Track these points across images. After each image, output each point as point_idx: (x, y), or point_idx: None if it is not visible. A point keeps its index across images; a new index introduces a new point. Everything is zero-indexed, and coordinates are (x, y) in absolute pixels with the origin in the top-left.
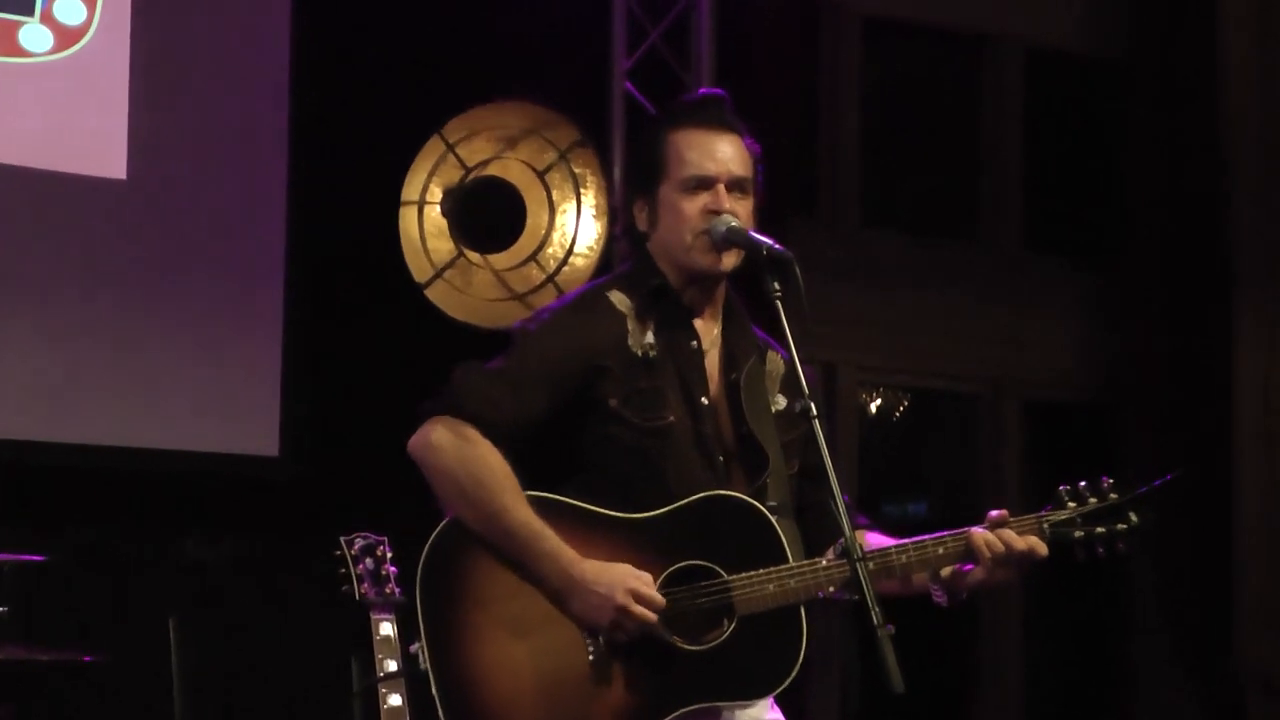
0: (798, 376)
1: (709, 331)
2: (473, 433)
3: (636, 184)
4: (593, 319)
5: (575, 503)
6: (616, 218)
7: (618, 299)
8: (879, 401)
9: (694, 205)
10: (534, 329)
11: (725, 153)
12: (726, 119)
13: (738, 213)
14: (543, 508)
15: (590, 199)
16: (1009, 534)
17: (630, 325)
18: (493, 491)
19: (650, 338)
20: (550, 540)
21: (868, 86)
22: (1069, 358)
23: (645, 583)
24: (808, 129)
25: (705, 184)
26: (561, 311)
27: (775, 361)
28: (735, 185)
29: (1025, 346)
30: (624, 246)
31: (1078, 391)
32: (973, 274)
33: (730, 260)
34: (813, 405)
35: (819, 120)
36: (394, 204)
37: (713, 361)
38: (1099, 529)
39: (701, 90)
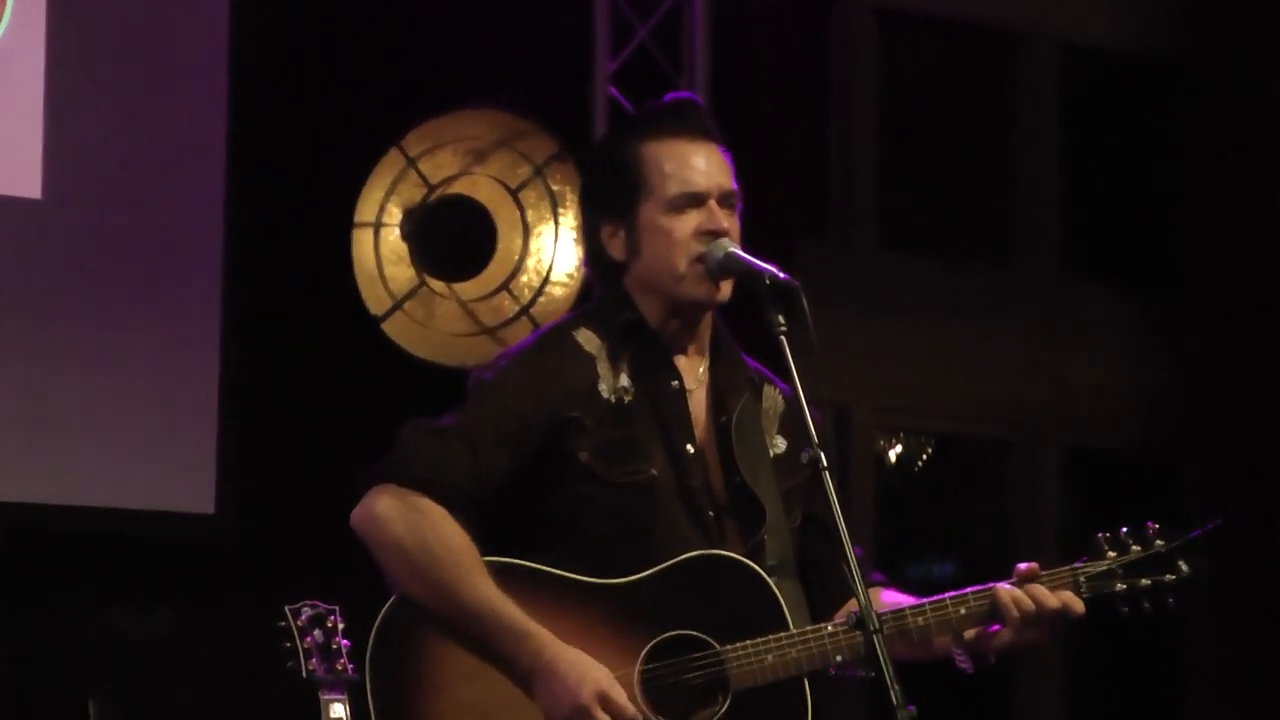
0: (805, 422)
1: (694, 369)
2: (423, 501)
3: (606, 205)
4: (558, 363)
5: (544, 568)
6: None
7: (586, 338)
8: (899, 448)
9: (685, 226)
10: (491, 378)
11: (712, 164)
12: (708, 126)
13: (730, 231)
14: (506, 576)
15: (570, 219)
16: (1040, 590)
17: (601, 367)
18: (448, 565)
19: (625, 380)
20: (515, 616)
21: (884, 90)
22: (1115, 397)
23: (618, 690)
24: (816, 138)
25: (696, 201)
26: (521, 357)
27: (773, 397)
28: (725, 201)
29: (1065, 385)
30: (591, 278)
31: (1126, 436)
32: (1005, 302)
33: (729, 289)
34: (822, 455)
35: (829, 129)
36: (347, 226)
37: (699, 403)
38: (1144, 581)
39: (669, 96)
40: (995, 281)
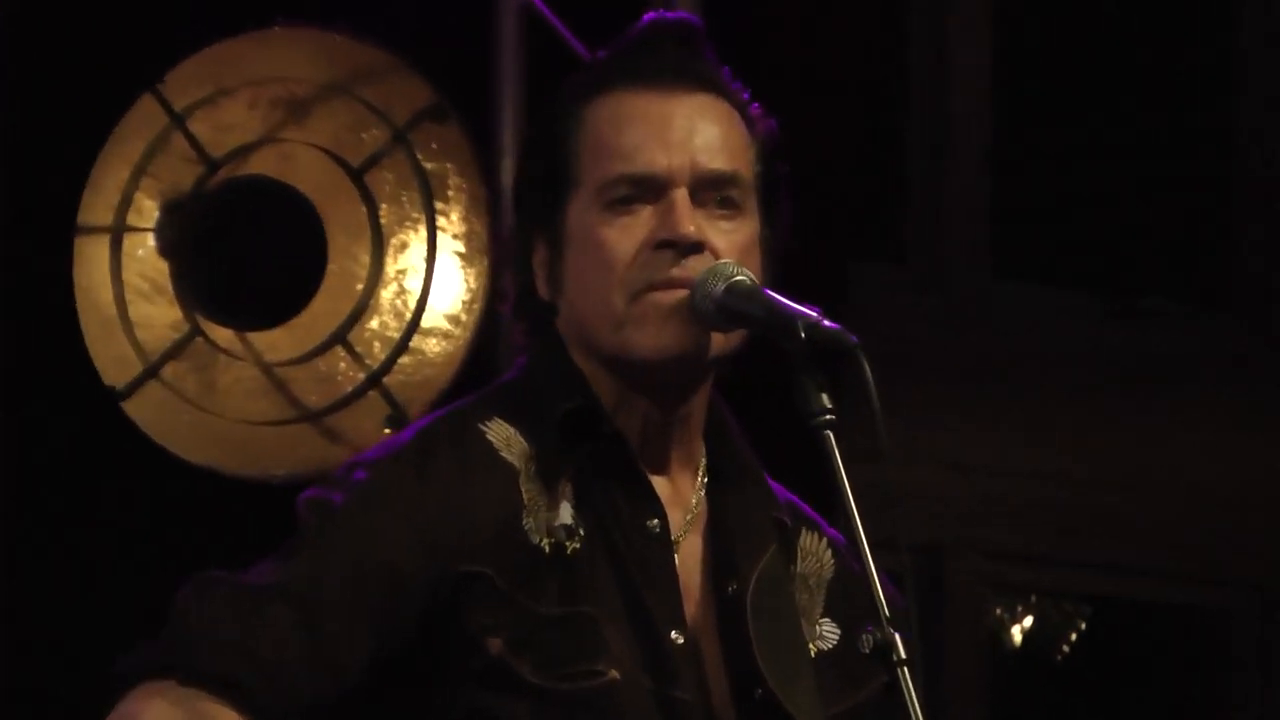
0: (871, 588)
1: (682, 494)
2: (216, 710)
3: (533, 209)
4: (453, 480)
5: None
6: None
7: (503, 439)
8: (1029, 621)
9: (625, 235)
10: (339, 504)
11: (687, 127)
12: (692, 64)
13: (719, 247)
14: None
15: (456, 222)
16: None
17: (528, 490)
18: None
19: (567, 515)
20: None
21: (1000, 44)
22: None
23: None
24: (891, 115)
25: (646, 189)
26: (390, 468)
27: (817, 550)
28: (711, 187)
29: None
30: (516, 331)
31: None
32: (1209, 360)
33: (720, 344)
34: (899, 641)
35: (912, 101)
36: (67, 232)
37: (692, 555)
38: None
39: (649, 17)
40: (1182, 327)
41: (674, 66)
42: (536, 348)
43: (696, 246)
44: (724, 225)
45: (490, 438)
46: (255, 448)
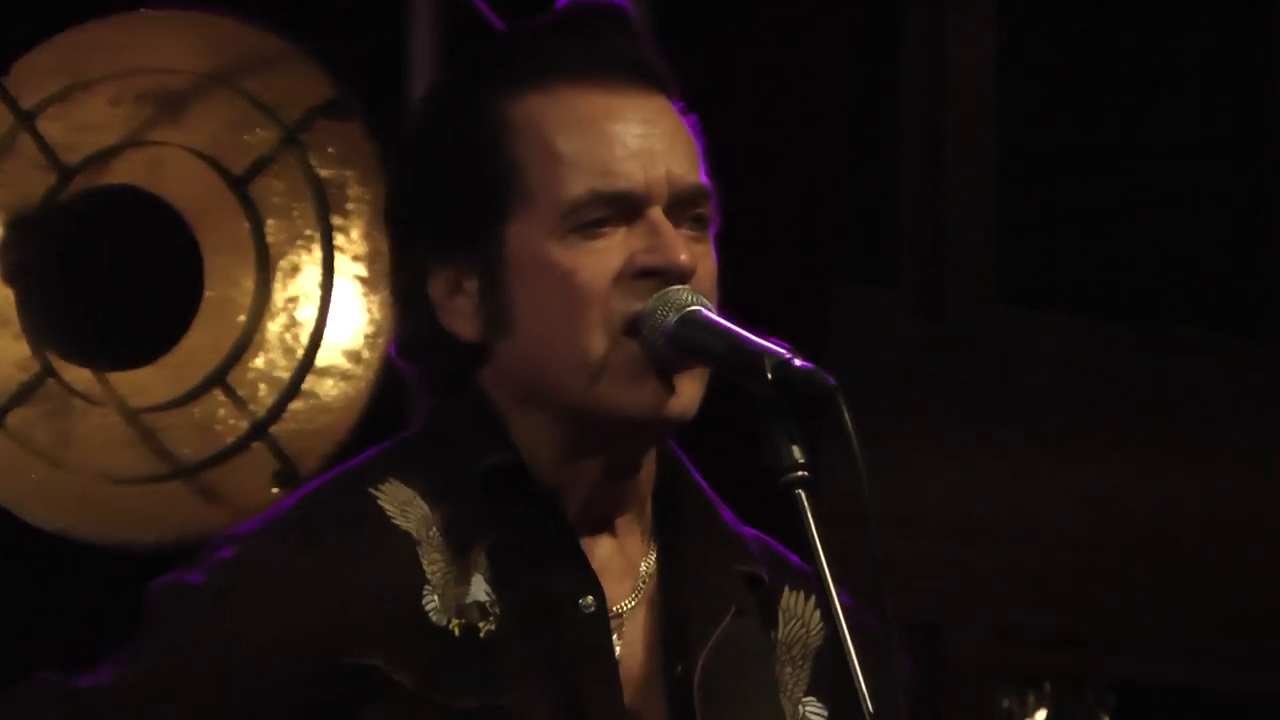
0: (849, 668)
1: (632, 561)
2: None
3: (437, 227)
4: (337, 556)
5: None
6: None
7: (396, 501)
8: (1042, 716)
9: (602, 263)
10: (196, 588)
11: (656, 135)
12: (639, 57)
13: (699, 274)
14: None
15: (357, 240)
16: None
17: (431, 563)
18: None
19: (480, 590)
20: None
21: (1004, 40)
22: None
23: None
24: (881, 118)
25: (624, 209)
26: (261, 542)
27: (802, 614)
28: (686, 204)
29: None
30: (411, 373)
31: None
32: (1248, 397)
33: (696, 392)
34: None
35: (904, 103)
36: None
37: (637, 634)
38: None
39: None
40: (1216, 363)
41: (622, 59)
42: (447, 395)
43: (686, 277)
44: (697, 249)
45: (382, 503)
46: (118, 509)
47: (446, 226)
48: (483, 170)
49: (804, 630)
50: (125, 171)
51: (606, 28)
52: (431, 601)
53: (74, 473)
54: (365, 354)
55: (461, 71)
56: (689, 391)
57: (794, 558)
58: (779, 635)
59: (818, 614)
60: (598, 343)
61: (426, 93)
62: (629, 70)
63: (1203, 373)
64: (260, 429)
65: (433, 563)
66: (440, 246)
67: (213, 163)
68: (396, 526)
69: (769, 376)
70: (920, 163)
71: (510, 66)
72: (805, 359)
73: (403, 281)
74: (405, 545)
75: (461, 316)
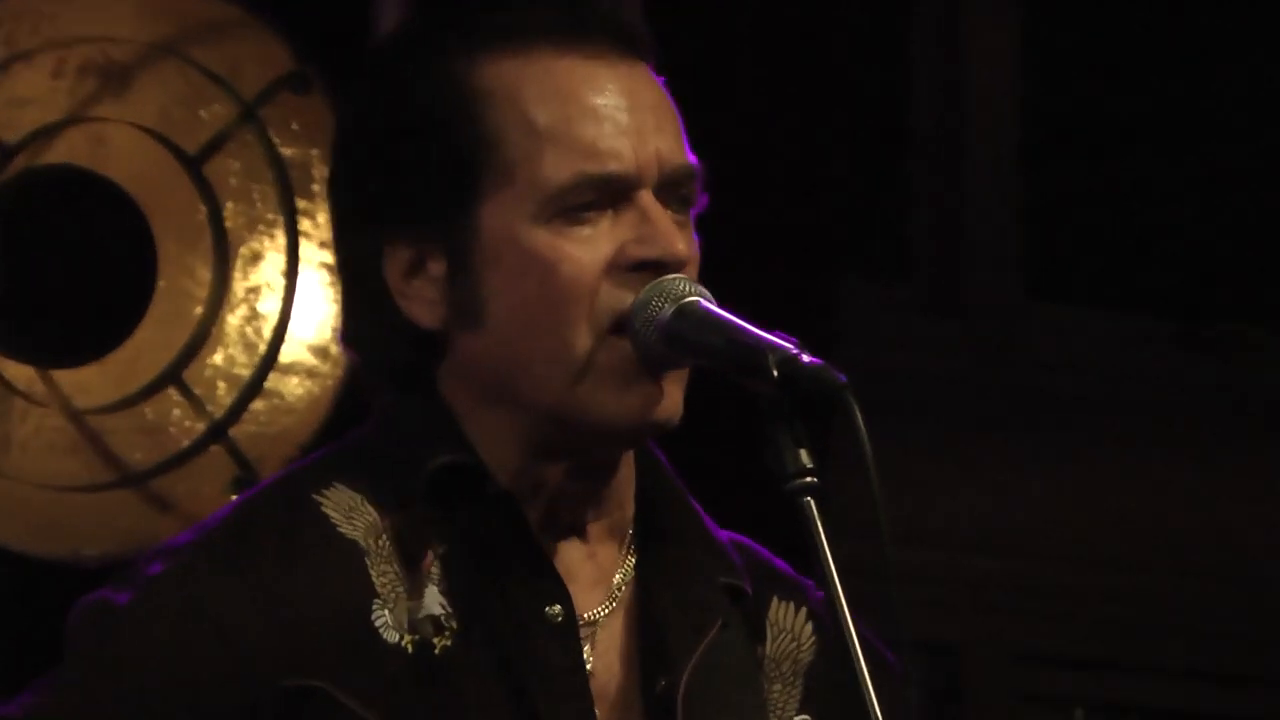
0: (860, 680)
1: (604, 569)
2: None
3: (394, 204)
4: (276, 570)
5: None
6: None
7: (342, 507)
8: None
9: (590, 250)
10: (121, 608)
11: (641, 108)
12: (625, 24)
13: (689, 260)
14: None
15: (324, 225)
16: None
17: (380, 573)
18: None
19: (434, 602)
20: None
21: (1029, 15)
22: None
23: None
24: (895, 99)
25: (612, 192)
26: (193, 556)
27: (792, 626)
28: (674, 185)
29: None
30: (357, 362)
31: None
32: None
33: (680, 398)
34: None
35: (920, 84)
36: None
37: (612, 646)
38: None
39: None
40: (1265, 362)
41: (602, 21)
42: (399, 389)
43: (682, 268)
44: (685, 234)
45: (326, 509)
46: (62, 520)
47: (407, 199)
48: (451, 139)
49: (794, 645)
50: (68, 150)
51: None
52: (382, 617)
53: (12, 479)
54: (333, 349)
55: (425, 24)
56: (674, 394)
57: (781, 564)
58: (767, 650)
59: (809, 626)
60: (582, 340)
61: (383, 44)
62: (610, 33)
63: (1248, 373)
64: (218, 431)
65: (383, 574)
66: (398, 221)
67: (163, 140)
68: (342, 535)
69: (774, 373)
70: (935, 143)
71: (480, 23)
72: (813, 355)
73: (350, 258)
74: (352, 556)
75: (421, 302)
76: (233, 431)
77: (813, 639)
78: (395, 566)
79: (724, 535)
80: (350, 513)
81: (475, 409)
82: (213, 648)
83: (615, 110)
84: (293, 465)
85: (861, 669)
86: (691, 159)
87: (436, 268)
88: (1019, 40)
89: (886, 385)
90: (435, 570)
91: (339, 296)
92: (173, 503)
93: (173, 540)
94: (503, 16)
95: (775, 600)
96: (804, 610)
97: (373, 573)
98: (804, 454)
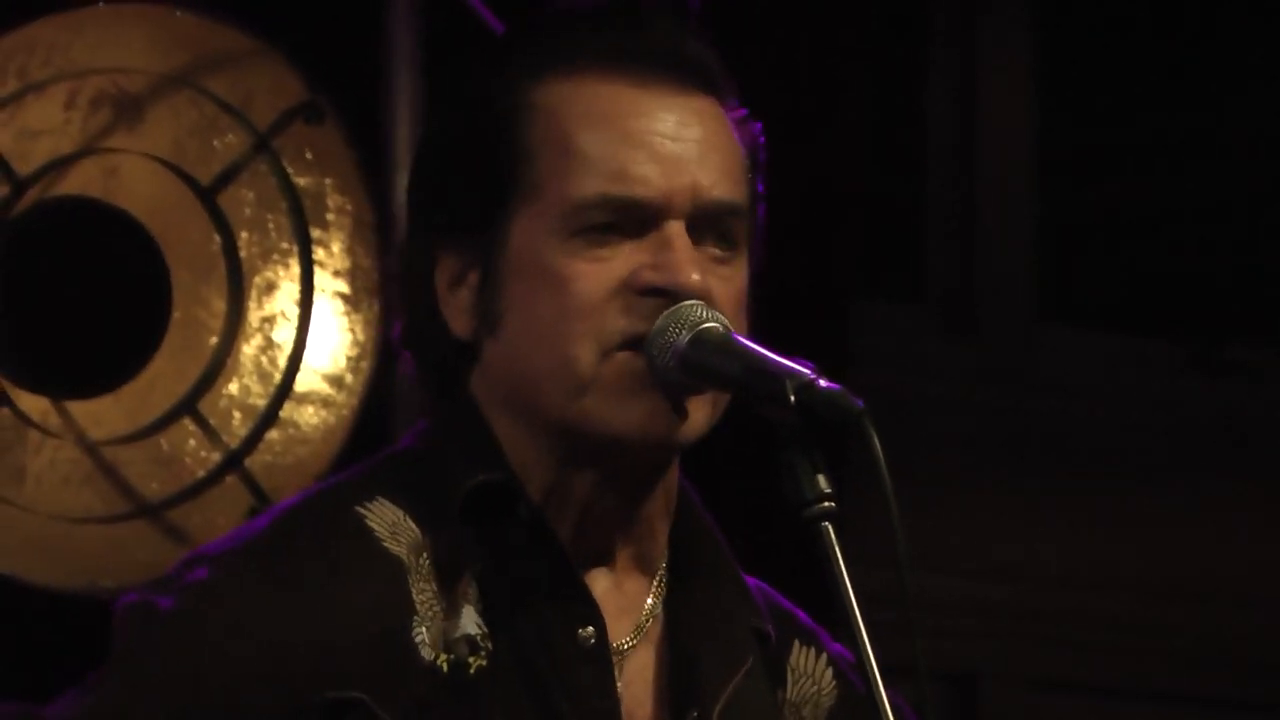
0: (880, 708)
1: (632, 598)
2: None
3: (445, 213)
4: (320, 581)
5: None
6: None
7: (386, 522)
8: None
9: (600, 272)
10: (165, 613)
11: (688, 139)
12: (685, 48)
13: (717, 295)
14: None
15: (337, 255)
16: None
17: (419, 591)
18: None
19: (471, 622)
20: None
21: (1044, 28)
22: None
23: None
24: (907, 116)
25: (636, 218)
26: (235, 564)
27: (813, 671)
28: (712, 221)
29: None
30: (414, 378)
31: None
32: None
33: (702, 419)
34: None
35: (933, 100)
36: None
37: (641, 674)
38: None
39: None
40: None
41: (664, 50)
42: (442, 405)
43: (686, 291)
44: (723, 271)
45: (371, 523)
46: (76, 552)
47: (457, 212)
48: (494, 155)
49: (815, 689)
50: (82, 181)
51: (653, 15)
52: (420, 635)
53: (27, 511)
54: (348, 379)
55: (493, 45)
56: (695, 414)
57: (800, 613)
58: (788, 694)
59: (829, 672)
60: (585, 356)
61: (454, 67)
62: (669, 64)
63: (1263, 398)
64: (233, 461)
65: (422, 593)
66: (449, 233)
67: (176, 171)
68: (386, 550)
69: (791, 399)
70: (949, 164)
71: (539, 47)
72: (831, 380)
73: (410, 266)
74: (395, 572)
75: (457, 311)
76: (248, 462)
77: (834, 684)
78: (433, 585)
79: (751, 581)
80: (394, 528)
81: (501, 417)
82: (254, 662)
83: (654, 138)
84: (334, 478)
85: (881, 697)
86: (736, 196)
87: (474, 278)
88: (1035, 64)
89: (899, 408)
90: (472, 590)
91: (352, 326)
92: (187, 535)
93: (214, 544)
94: (562, 40)
95: (797, 645)
96: (825, 656)
97: (413, 590)
98: (822, 480)
